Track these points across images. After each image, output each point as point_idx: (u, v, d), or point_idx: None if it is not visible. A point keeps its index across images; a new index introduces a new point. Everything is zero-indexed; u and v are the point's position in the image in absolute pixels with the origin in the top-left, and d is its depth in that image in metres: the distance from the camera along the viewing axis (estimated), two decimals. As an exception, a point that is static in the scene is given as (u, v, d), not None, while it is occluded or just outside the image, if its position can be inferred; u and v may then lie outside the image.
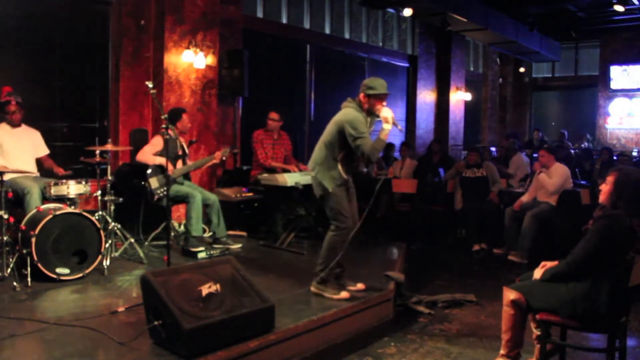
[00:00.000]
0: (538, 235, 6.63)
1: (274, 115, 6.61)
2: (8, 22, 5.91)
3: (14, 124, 5.21)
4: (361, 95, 4.24)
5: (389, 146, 10.67)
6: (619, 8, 12.01)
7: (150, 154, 5.58)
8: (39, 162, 5.45)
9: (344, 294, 4.23)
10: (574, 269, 3.22)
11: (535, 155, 11.85)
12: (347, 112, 4.22)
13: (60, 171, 5.34)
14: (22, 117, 5.26)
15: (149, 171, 5.53)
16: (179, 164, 5.78)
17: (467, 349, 4.05)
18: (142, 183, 5.56)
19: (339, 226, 4.24)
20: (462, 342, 4.17)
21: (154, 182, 5.53)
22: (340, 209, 4.23)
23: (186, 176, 5.90)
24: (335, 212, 4.24)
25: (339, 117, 4.26)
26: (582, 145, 14.12)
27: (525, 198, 6.91)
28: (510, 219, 6.90)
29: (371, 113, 4.26)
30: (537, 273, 3.42)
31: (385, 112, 4.16)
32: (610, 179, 3.27)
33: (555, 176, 6.69)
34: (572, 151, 12.80)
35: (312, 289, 4.31)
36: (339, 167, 4.23)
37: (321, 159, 4.27)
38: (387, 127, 4.15)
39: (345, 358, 3.88)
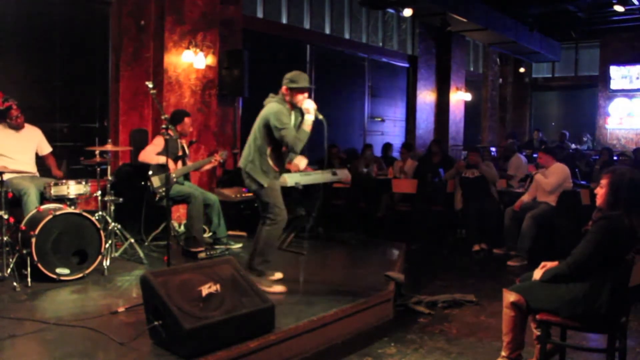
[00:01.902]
0: (538, 236, 6.63)
1: None
2: (8, 22, 5.91)
3: (19, 128, 5.22)
4: (283, 88, 4.33)
5: (387, 146, 10.68)
6: (619, 8, 12.01)
7: (153, 153, 5.59)
8: (41, 159, 5.45)
9: (278, 288, 4.32)
10: (574, 270, 3.22)
11: (535, 155, 11.88)
12: (271, 106, 4.31)
13: (58, 174, 5.34)
14: (24, 119, 5.26)
15: (150, 171, 5.54)
16: (179, 164, 5.78)
17: (467, 349, 4.05)
18: (143, 183, 5.56)
19: (274, 219, 4.32)
20: (462, 343, 4.17)
21: (156, 181, 5.53)
22: (274, 201, 4.31)
23: (186, 177, 5.90)
24: (269, 205, 4.31)
25: (264, 112, 4.35)
26: (580, 147, 14.12)
27: (525, 198, 6.91)
28: (510, 219, 6.90)
29: (295, 106, 4.35)
30: (537, 274, 3.42)
31: (307, 103, 4.27)
32: (604, 181, 3.26)
33: (551, 175, 6.69)
34: (571, 151, 12.80)
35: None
36: (269, 161, 4.32)
37: (251, 155, 4.35)
38: (309, 117, 4.26)
39: (345, 358, 3.88)
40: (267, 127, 4.27)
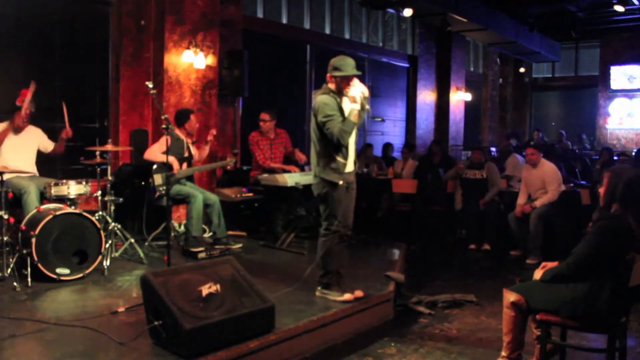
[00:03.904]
0: (545, 234, 6.68)
1: (264, 115, 6.39)
2: (8, 22, 5.91)
3: (19, 130, 5.18)
4: (327, 75, 4.05)
5: (388, 146, 10.68)
6: (619, 8, 12.01)
7: (158, 152, 5.57)
8: (44, 156, 5.43)
9: (347, 296, 4.17)
10: (574, 269, 3.22)
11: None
12: (316, 100, 4.07)
13: (66, 133, 5.28)
14: (26, 124, 5.22)
15: (155, 166, 5.53)
16: (184, 166, 5.77)
17: (467, 349, 4.05)
18: (143, 183, 5.57)
19: (328, 228, 4.12)
20: (462, 343, 4.17)
21: (157, 179, 5.53)
22: (333, 210, 4.09)
23: (189, 177, 5.89)
24: (327, 212, 4.11)
25: (313, 109, 4.12)
26: (577, 147, 14.14)
27: (520, 200, 6.92)
28: (515, 223, 6.90)
29: (342, 92, 4.05)
30: (537, 274, 3.42)
31: (353, 91, 3.96)
32: (605, 180, 3.28)
33: (549, 185, 6.73)
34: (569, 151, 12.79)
35: (317, 294, 4.27)
36: (336, 156, 4.03)
37: (317, 156, 4.11)
38: (355, 106, 3.94)
39: (345, 358, 3.88)
40: (319, 124, 4.01)
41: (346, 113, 4.01)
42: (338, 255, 4.20)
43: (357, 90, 3.98)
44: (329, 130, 3.93)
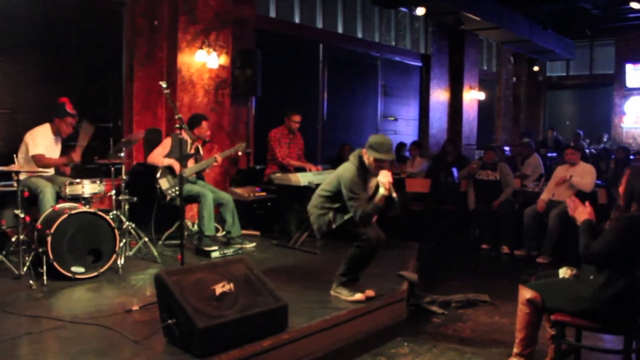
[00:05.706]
0: (561, 234, 6.64)
1: (298, 117, 6.66)
2: (23, 23, 5.96)
3: (62, 135, 5.36)
4: (364, 150, 4.19)
5: (400, 145, 10.65)
6: (635, 5, 11.86)
7: (160, 155, 5.63)
8: None
9: (358, 296, 4.18)
10: (591, 260, 3.17)
11: (550, 154, 11.77)
12: (346, 169, 4.18)
13: (76, 155, 5.38)
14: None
15: (158, 173, 5.57)
16: (191, 163, 5.79)
17: (480, 349, 4.03)
18: (156, 183, 5.60)
19: (362, 240, 4.16)
20: (476, 343, 4.15)
21: (164, 183, 5.57)
22: (353, 228, 4.17)
23: (199, 176, 5.92)
24: (351, 233, 4.18)
25: (340, 171, 4.23)
26: (601, 145, 14.00)
27: (544, 196, 6.89)
28: (530, 218, 6.87)
29: (370, 169, 4.17)
30: (581, 214, 3.37)
31: (383, 176, 4.09)
32: (624, 178, 3.25)
33: (587, 176, 6.73)
34: (587, 150, 12.68)
35: (332, 292, 4.29)
36: (331, 214, 4.21)
37: (317, 203, 4.29)
38: (382, 192, 4.07)
39: (358, 358, 3.88)
40: (340, 187, 4.16)
41: (370, 187, 4.19)
42: (365, 260, 4.28)
43: (387, 176, 4.09)
44: (352, 208, 4.08)
